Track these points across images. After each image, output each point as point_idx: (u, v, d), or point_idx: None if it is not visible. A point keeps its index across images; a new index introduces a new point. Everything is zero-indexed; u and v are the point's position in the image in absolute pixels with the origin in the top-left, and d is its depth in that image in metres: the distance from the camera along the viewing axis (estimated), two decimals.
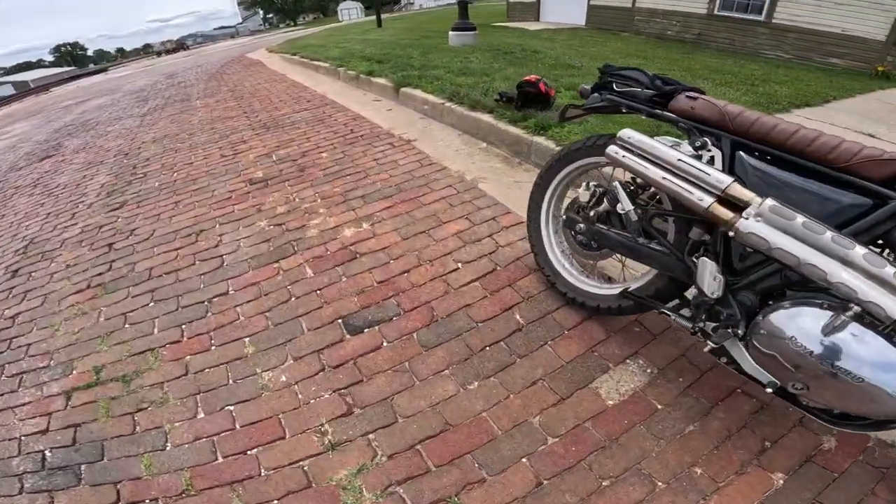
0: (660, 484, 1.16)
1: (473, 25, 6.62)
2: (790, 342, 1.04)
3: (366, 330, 1.67)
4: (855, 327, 0.96)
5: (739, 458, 1.21)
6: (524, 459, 1.23)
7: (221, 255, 2.18)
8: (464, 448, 1.28)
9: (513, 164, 2.92)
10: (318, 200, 2.54)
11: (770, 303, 1.14)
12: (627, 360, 1.51)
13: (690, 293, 1.36)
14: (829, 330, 0.99)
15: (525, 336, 1.62)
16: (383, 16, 14.47)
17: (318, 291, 1.87)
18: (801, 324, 1.03)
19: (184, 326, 1.78)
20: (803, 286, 1.10)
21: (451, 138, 3.37)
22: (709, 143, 1.23)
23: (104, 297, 2.04)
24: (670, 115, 1.32)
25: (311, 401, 1.43)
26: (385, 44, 7.70)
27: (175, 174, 3.33)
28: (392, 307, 1.76)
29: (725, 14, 8.88)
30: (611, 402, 1.36)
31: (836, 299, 1.00)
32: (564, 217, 1.67)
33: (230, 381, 1.53)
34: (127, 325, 1.85)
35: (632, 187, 1.47)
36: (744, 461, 1.20)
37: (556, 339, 1.61)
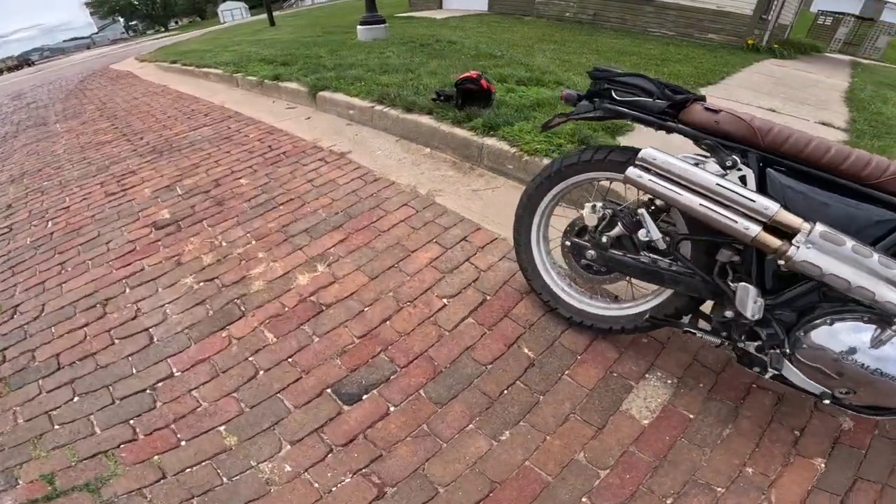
0: (719, 490, 1.19)
1: (383, 18, 6.30)
2: (839, 356, 1.07)
3: (364, 397, 1.43)
4: None
5: (779, 450, 1.27)
6: (584, 499, 1.19)
7: (147, 329, 1.75)
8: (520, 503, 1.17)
9: (464, 169, 2.74)
10: (253, 242, 2.16)
11: (807, 317, 1.14)
12: (647, 375, 1.49)
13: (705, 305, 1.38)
14: (877, 343, 1.04)
15: (540, 370, 1.50)
16: (274, 13, 13.42)
17: (290, 359, 1.57)
18: (848, 338, 1.07)
19: (132, 422, 1.41)
20: (836, 299, 1.11)
21: (390, 146, 3.10)
22: (738, 161, 1.14)
23: (11, 396, 1.56)
24: (687, 129, 1.21)
25: (333, 489, 1.21)
26: (285, 43, 7.07)
27: (51, 224, 2.67)
28: (385, 365, 1.53)
29: None
30: (646, 422, 1.35)
31: (871, 311, 1.05)
32: (569, 244, 1.52)
33: (225, 480, 1.24)
34: (57, 426, 1.43)
35: (651, 208, 1.34)
36: (784, 453, 1.27)
37: (572, 367, 1.52)
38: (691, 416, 1.36)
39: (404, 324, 1.66)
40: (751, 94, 4.70)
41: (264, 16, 14.27)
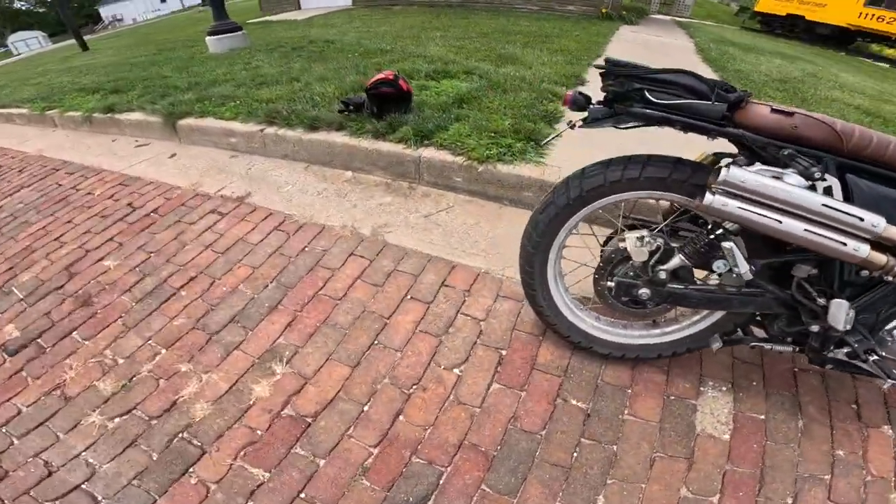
0: (825, 477, 1.19)
1: (237, 25, 5.42)
2: None
3: None
4: None
5: (853, 427, 1.30)
6: None
7: (78, 488, 1.18)
8: None
9: (402, 191, 2.34)
10: (163, 351, 1.55)
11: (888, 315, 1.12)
12: (702, 389, 1.39)
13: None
14: None
15: (599, 419, 1.30)
16: (86, 37, 11.26)
17: (303, 496, 1.16)
18: None
19: None
20: None
21: (298, 177, 2.56)
22: (823, 171, 0.94)
23: None
24: (757, 136, 0.98)
25: None
26: (108, 67, 5.80)
27: None
28: (426, 470, 1.19)
29: None
30: (726, 436, 1.28)
31: None
32: (613, 283, 1.22)
33: None
34: None
35: (684, 224, 1.12)
36: (857, 429, 1.29)
37: (629, 405, 1.33)
38: (762, 417, 1.32)
39: (423, 414, 1.30)
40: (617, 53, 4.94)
41: (71, 41, 11.87)
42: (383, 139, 2.48)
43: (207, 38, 5.36)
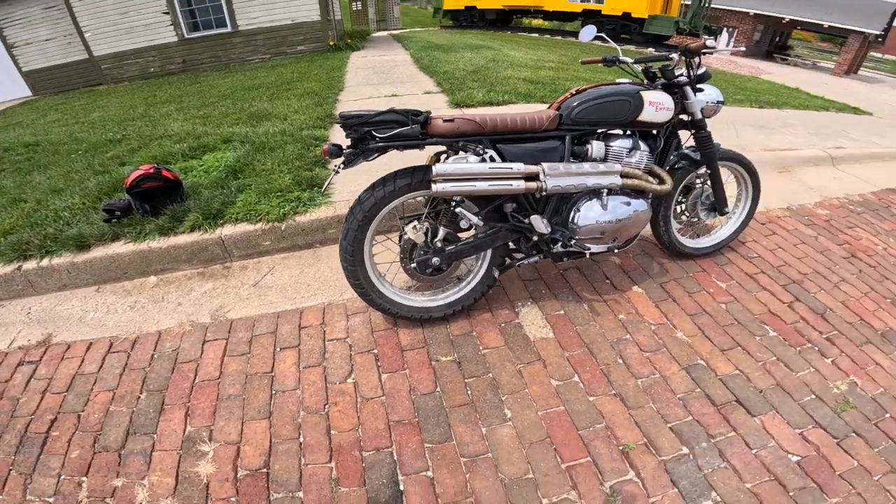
0: (627, 336, 2.03)
1: None
2: (595, 223, 1.93)
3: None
4: (612, 198, 1.94)
5: (617, 295, 2.25)
6: (591, 398, 1.65)
7: None
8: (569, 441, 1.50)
9: (221, 273, 2.52)
10: (85, 479, 1.50)
11: (565, 214, 1.96)
12: (516, 310, 2.16)
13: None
14: (604, 206, 1.92)
15: (467, 362, 1.89)
16: None
17: None
18: (593, 212, 1.92)
19: None
20: (568, 198, 1.96)
21: (95, 301, 2.47)
22: (483, 148, 1.67)
23: None
24: (441, 139, 1.67)
25: None
26: None
27: None
28: (378, 457, 1.55)
29: (198, 35, 9.31)
30: (551, 335, 2.01)
31: (591, 193, 1.92)
32: (415, 264, 1.82)
33: None
34: None
35: (439, 206, 1.78)
36: (620, 294, 2.26)
37: (480, 343, 1.96)
38: (563, 312, 2.09)
39: (347, 421, 1.68)
40: (371, 88, 5.82)
41: None
42: (174, 234, 2.56)
43: None
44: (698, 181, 2.38)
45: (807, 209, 3.31)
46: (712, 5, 16.68)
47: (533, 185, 1.76)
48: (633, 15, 15.37)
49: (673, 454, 1.60)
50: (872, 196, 3.64)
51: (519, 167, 1.73)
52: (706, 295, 2.31)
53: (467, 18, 21.33)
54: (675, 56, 2.02)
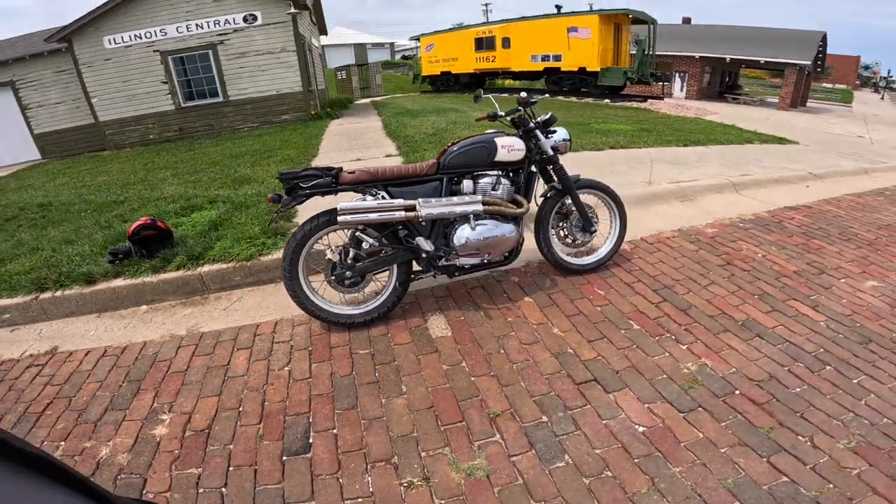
0: (512, 333, 2.57)
1: None
2: (469, 240, 2.66)
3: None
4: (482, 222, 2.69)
5: (510, 303, 2.88)
6: (475, 381, 2.25)
7: None
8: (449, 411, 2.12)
9: (199, 302, 3.24)
10: (63, 443, 2.03)
11: (447, 237, 2.71)
12: (425, 318, 2.81)
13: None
14: (474, 227, 2.66)
15: (379, 353, 2.54)
16: None
17: (231, 468, 1.90)
18: (465, 232, 2.66)
19: None
20: (447, 223, 2.73)
21: (96, 323, 3.17)
22: (377, 191, 2.57)
23: None
24: (347, 187, 2.55)
25: None
26: None
27: None
28: (298, 420, 2.16)
29: (193, 104, 10.52)
30: (449, 334, 2.66)
31: (461, 218, 2.67)
32: (334, 277, 2.66)
33: None
34: None
35: (358, 231, 2.63)
36: (512, 303, 2.90)
37: (391, 340, 2.62)
38: (463, 318, 2.74)
39: (279, 395, 2.31)
40: (341, 154, 6.84)
41: None
42: (164, 272, 3.31)
43: None
44: (573, 208, 3.08)
45: (696, 229, 3.91)
46: (663, 52, 18.17)
47: (412, 213, 2.50)
48: (588, 69, 16.68)
49: (533, 421, 1.98)
50: (766, 214, 4.27)
51: (400, 202, 2.49)
52: (586, 301, 2.89)
53: (444, 83, 23.02)
54: (521, 108, 2.77)
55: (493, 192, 2.71)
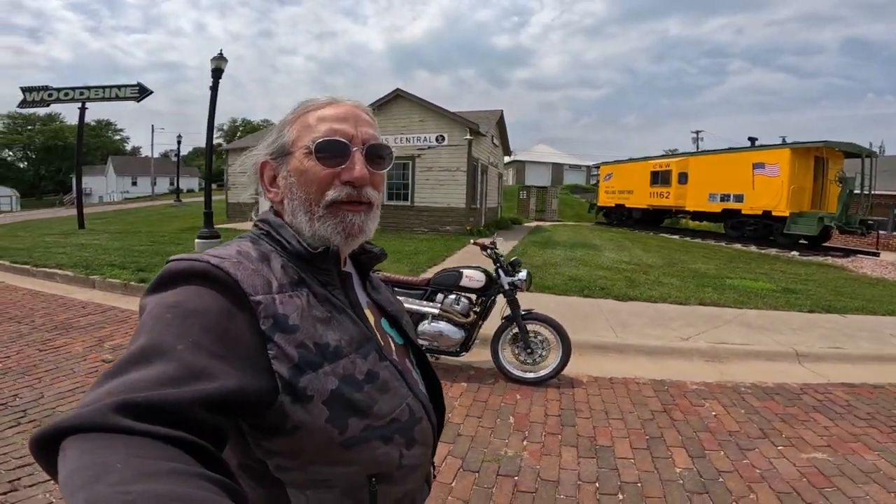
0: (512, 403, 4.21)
1: (218, 233, 8.95)
2: (424, 331, 4.55)
3: None
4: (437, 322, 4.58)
5: (466, 384, 4.42)
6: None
7: None
8: None
9: None
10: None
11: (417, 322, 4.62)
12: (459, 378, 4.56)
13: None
14: (430, 323, 4.55)
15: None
16: (47, 212, 13.64)
17: None
18: (424, 324, 4.57)
19: None
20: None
21: None
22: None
23: None
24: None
25: None
26: (119, 251, 9.13)
27: None
28: None
29: (389, 203, 14.61)
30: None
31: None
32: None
33: None
34: None
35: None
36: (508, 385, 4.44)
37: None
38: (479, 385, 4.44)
39: None
40: (450, 263, 9.16)
41: (44, 212, 13.98)
42: None
43: (196, 240, 8.70)
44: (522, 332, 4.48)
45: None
46: (888, 192, 13.74)
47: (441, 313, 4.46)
48: (774, 213, 14.31)
49: None
50: None
51: (435, 306, 4.43)
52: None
53: (617, 216, 22.24)
54: (486, 249, 4.26)
55: (454, 306, 4.46)
